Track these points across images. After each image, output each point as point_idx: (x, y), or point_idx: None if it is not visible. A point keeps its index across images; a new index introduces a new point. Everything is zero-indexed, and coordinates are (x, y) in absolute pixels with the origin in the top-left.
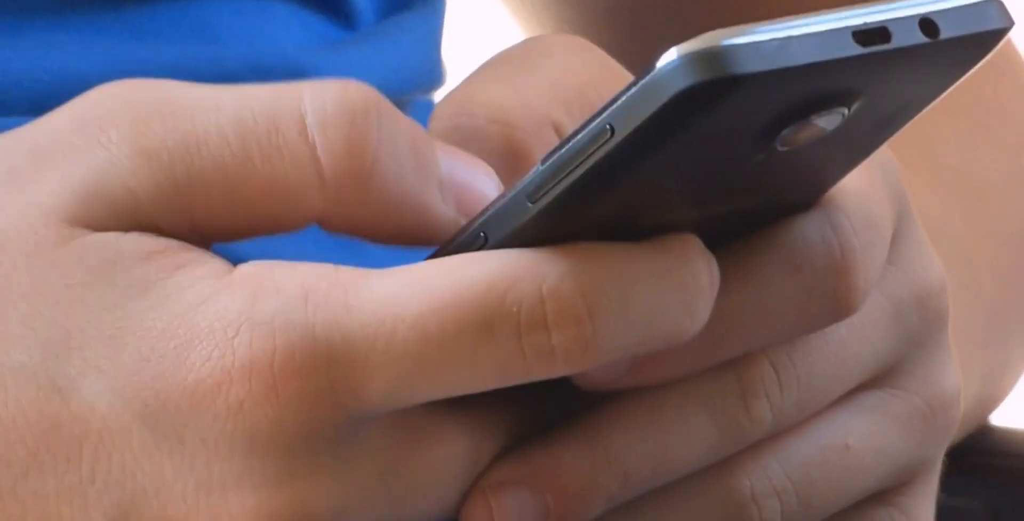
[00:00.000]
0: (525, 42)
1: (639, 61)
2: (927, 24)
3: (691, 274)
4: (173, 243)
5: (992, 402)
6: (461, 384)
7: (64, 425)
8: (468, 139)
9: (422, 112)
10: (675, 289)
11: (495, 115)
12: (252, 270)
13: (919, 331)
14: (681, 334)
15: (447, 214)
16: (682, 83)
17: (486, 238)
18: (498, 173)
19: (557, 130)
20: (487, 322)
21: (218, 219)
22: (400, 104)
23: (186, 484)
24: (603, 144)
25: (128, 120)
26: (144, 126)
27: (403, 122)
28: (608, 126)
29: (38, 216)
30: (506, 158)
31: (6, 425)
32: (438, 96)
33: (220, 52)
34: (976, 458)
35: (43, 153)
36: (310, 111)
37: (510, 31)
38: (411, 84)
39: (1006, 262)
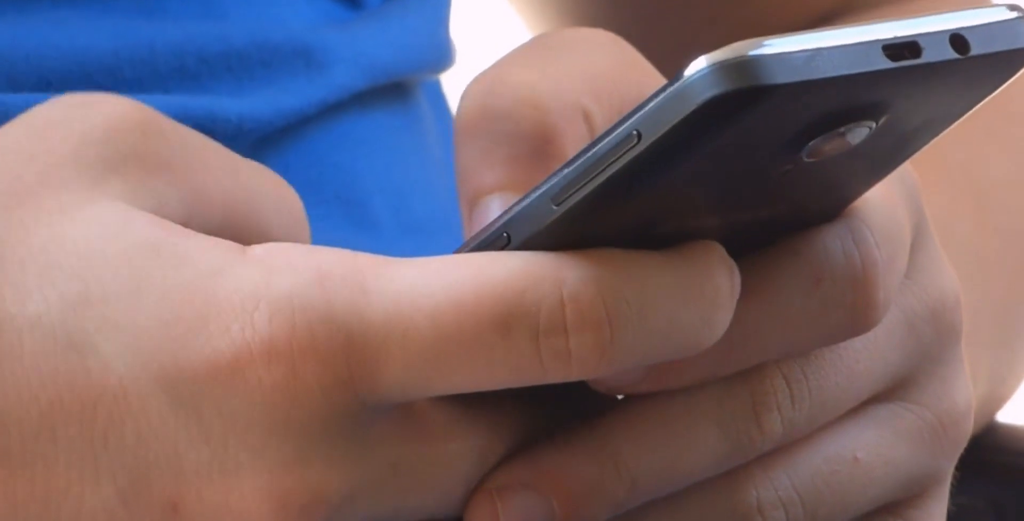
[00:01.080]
0: (557, 32)
1: (641, 53)
2: (958, 40)
3: (712, 286)
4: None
5: (1000, 401)
6: (475, 380)
7: (79, 384)
8: (497, 120)
9: (431, 93)
10: (695, 300)
11: (526, 98)
12: (264, 250)
13: (932, 345)
14: (698, 345)
15: None
16: (710, 92)
17: (509, 238)
18: (525, 157)
19: (587, 119)
20: (505, 321)
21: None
22: (409, 83)
23: (199, 458)
24: (629, 149)
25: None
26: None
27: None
28: (635, 132)
29: (60, 182)
30: (534, 142)
31: (20, 382)
32: (446, 77)
33: (227, 29)
34: (981, 455)
35: (45, 131)
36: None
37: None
38: (419, 64)
39: (1014, 261)
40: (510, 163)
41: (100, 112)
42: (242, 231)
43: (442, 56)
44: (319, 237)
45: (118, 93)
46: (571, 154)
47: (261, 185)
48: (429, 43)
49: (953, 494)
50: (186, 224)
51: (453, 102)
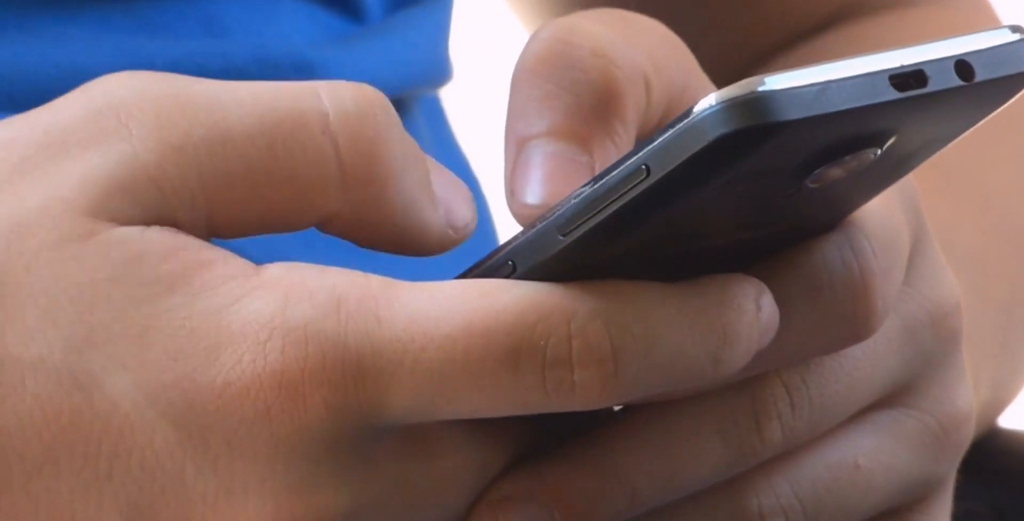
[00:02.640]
0: (619, 9)
1: None
2: (963, 66)
3: (721, 322)
4: (194, 241)
5: (1001, 405)
6: (480, 408)
7: (84, 421)
8: (567, 68)
9: (429, 108)
10: (702, 336)
11: (599, 49)
12: (281, 272)
13: (933, 351)
14: (702, 379)
15: (439, 223)
16: (721, 130)
17: (514, 266)
18: (586, 109)
19: (647, 87)
20: (514, 352)
21: (236, 215)
22: (407, 100)
23: (207, 486)
24: (638, 183)
25: (149, 112)
26: (167, 119)
27: (403, 130)
28: (644, 166)
29: (61, 209)
30: (600, 95)
31: (23, 420)
32: (444, 93)
33: (228, 47)
34: (983, 460)
35: (58, 143)
36: (331, 110)
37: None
38: (419, 79)
39: (1015, 266)
40: (570, 111)
41: (117, 126)
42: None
43: (440, 72)
44: (319, 253)
45: None
46: (631, 116)
47: (286, 143)
48: (429, 59)
49: (955, 499)
50: (210, 228)
51: (452, 116)
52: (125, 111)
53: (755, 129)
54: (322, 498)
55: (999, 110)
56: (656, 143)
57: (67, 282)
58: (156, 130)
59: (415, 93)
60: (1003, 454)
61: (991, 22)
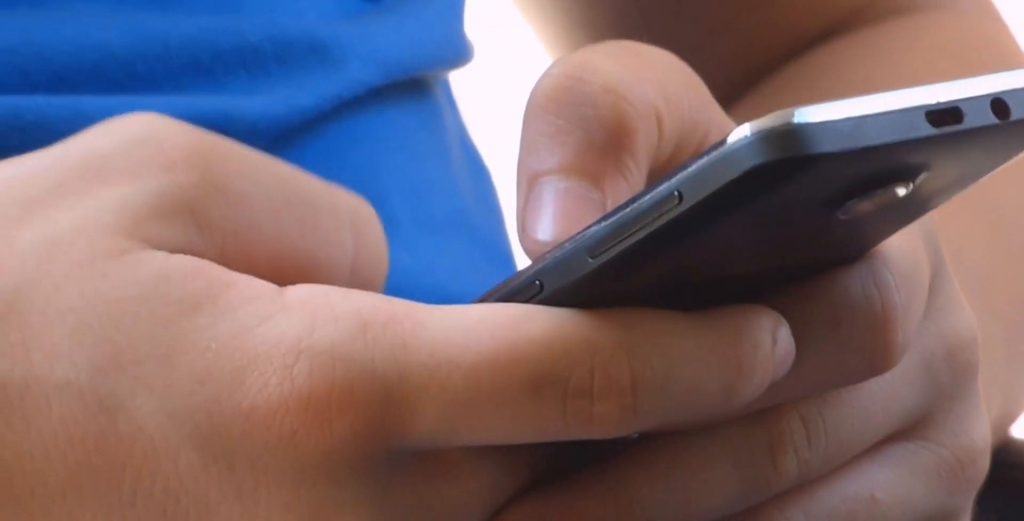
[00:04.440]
0: (631, 42)
1: None
2: (998, 105)
3: (736, 354)
4: (217, 265)
5: (1012, 418)
6: (501, 435)
7: (109, 445)
8: (578, 104)
9: (445, 91)
10: (719, 369)
11: (610, 85)
12: (306, 294)
13: (949, 384)
14: (715, 411)
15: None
16: (754, 161)
17: (541, 286)
18: (598, 146)
19: (659, 123)
20: (537, 382)
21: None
22: (426, 80)
23: (231, 511)
24: (670, 210)
25: (193, 147)
26: (210, 157)
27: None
28: (677, 192)
29: (96, 228)
30: (611, 131)
31: (47, 443)
32: (458, 74)
33: (241, 24)
34: (993, 471)
35: (95, 169)
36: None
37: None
38: (435, 59)
39: None
40: (581, 148)
41: (163, 160)
42: (288, 274)
43: (459, 52)
44: None
45: (132, 91)
46: (643, 152)
47: (316, 224)
48: (446, 38)
49: None
50: (224, 258)
51: (463, 102)
52: (169, 143)
53: (789, 161)
54: None
55: None
56: (689, 170)
57: (95, 300)
58: (202, 166)
59: (434, 73)
60: (1013, 465)
61: (998, 27)
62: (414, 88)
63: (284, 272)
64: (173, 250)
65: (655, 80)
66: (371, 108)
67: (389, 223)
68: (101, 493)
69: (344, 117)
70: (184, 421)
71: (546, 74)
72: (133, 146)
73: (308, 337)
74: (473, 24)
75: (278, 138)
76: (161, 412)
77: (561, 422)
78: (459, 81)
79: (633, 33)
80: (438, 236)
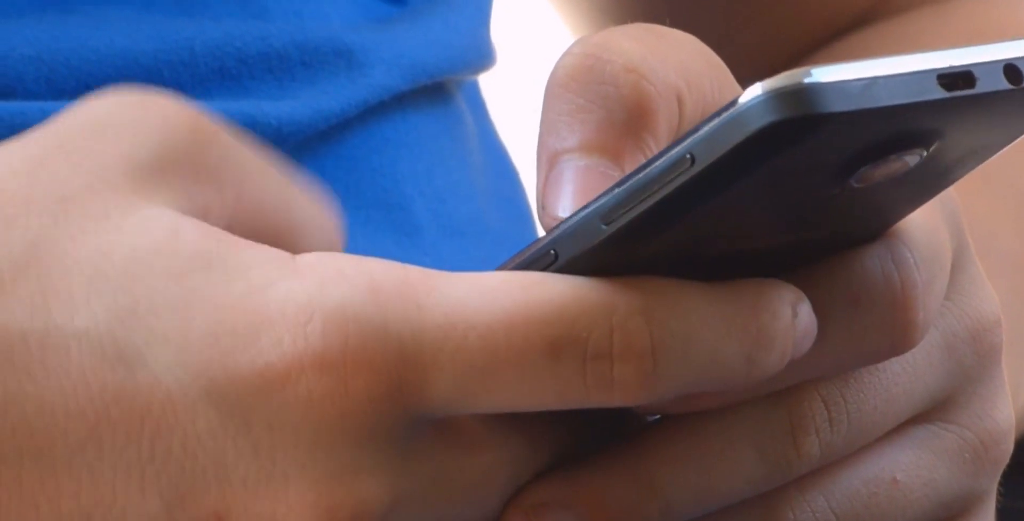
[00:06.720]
0: (652, 24)
1: None
2: (1011, 70)
3: (756, 325)
4: (224, 231)
5: None
6: (519, 399)
7: (127, 397)
8: (598, 82)
9: (469, 93)
10: (737, 336)
11: (633, 66)
12: (315, 259)
13: (972, 366)
14: (737, 381)
15: None
16: (766, 119)
17: (556, 255)
18: (619, 124)
19: (680, 103)
20: (555, 344)
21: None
22: (449, 85)
23: (248, 470)
24: (682, 172)
25: (188, 110)
26: (192, 112)
27: None
28: (689, 155)
29: (104, 186)
30: (632, 110)
31: (67, 394)
32: (485, 79)
33: (266, 29)
34: (1020, 457)
35: (92, 129)
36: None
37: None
38: (460, 64)
39: None
40: (602, 126)
41: (156, 114)
42: (278, 240)
43: (483, 56)
44: (360, 242)
45: None
46: (663, 130)
47: (296, 195)
48: (471, 43)
49: (997, 496)
50: (229, 229)
51: (491, 104)
52: (168, 105)
53: (800, 119)
54: (363, 488)
55: None
56: (700, 132)
57: (111, 252)
58: (198, 123)
59: (457, 77)
60: None
61: None
62: (436, 93)
63: (279, 233)
64: (182, 208)
65: (677, 61)
66: (394, 114)
67: (411, 228)
68: (120, 447)
69: (368, 123)
70: (200, 375)
71: (567, 53)
72: (135, 103)
73: (319, 296)
74: (506, 21)
75: (302, 144)
76: (178, 365)
77: (581, 386)
78: (487, 80)
79: (659, 21)
80: (461, 240)
